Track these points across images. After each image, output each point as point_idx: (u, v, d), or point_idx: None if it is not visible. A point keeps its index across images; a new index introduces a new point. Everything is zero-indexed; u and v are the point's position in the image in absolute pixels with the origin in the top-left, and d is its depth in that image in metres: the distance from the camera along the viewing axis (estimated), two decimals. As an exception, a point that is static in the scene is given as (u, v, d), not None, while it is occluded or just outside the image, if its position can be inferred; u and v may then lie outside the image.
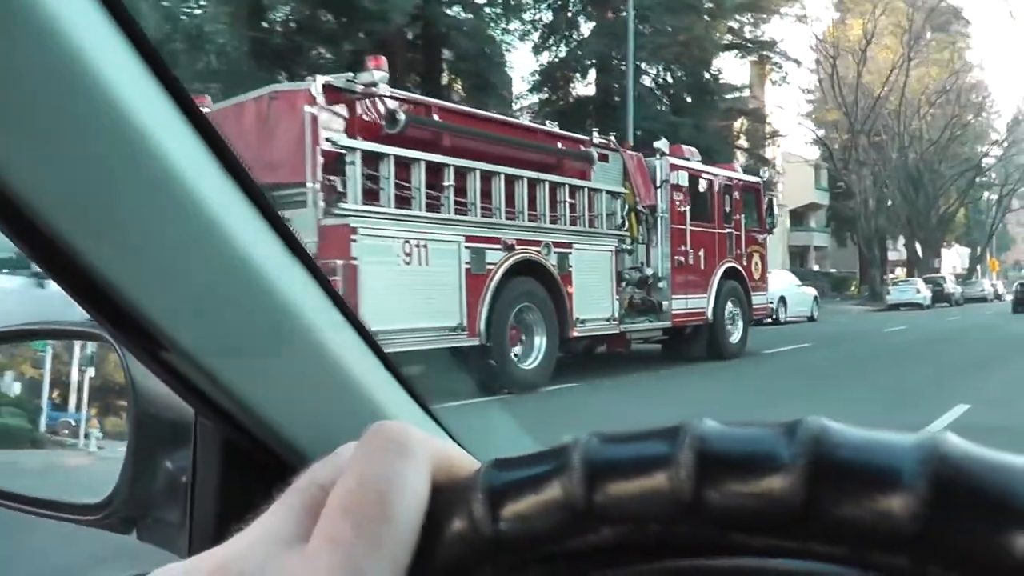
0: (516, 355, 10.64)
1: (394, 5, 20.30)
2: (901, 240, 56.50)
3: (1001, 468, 0.29)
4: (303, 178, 9.02)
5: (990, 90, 64.42)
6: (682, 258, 13.24)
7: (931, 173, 52.00)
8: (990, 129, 61.79)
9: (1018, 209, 68.41)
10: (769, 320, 16.14)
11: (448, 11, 25.36)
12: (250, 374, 0.60)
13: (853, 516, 0.30)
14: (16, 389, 1.05)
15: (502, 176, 10.52)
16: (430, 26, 24.77)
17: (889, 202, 50.35)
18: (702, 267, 13.68)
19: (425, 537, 0.36)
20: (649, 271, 12.97)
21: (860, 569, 0.31)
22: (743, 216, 14.93)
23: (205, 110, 9.81)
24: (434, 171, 9.79)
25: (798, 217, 54.29)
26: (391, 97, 9.79)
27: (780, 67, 39.16)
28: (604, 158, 12.45)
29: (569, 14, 31.84)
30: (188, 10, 18.50)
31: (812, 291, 29.95)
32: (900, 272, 55.29)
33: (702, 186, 13.91)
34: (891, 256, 56.69)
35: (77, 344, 0.96)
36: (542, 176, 11.15)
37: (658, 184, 13.09)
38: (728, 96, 36.18)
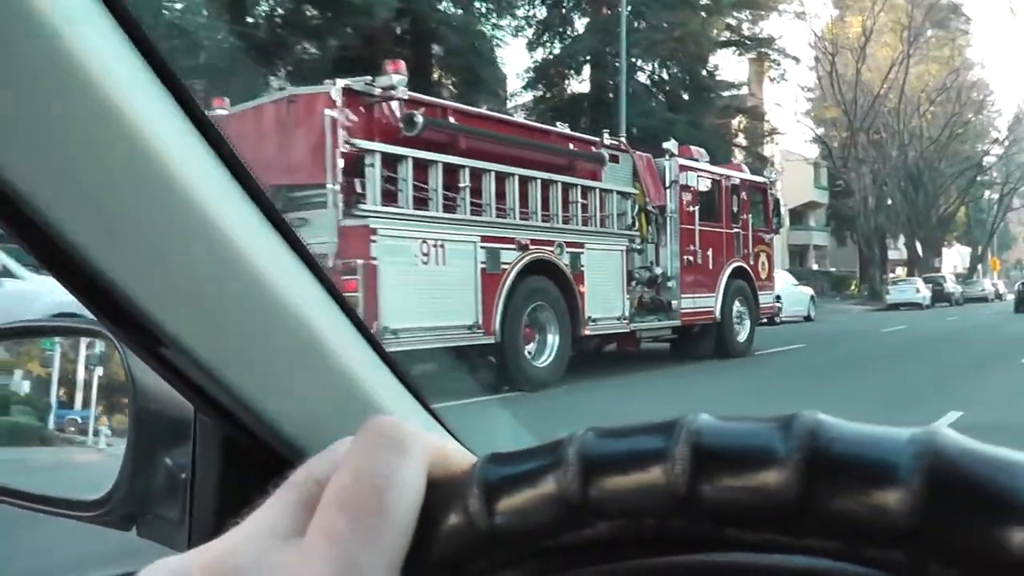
0: (529, 353, 11.00)
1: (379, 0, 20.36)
2: (901, 239, 56.87)
3: (996, 463, 0.30)
4: (323, 180, 9.38)
5: (991, 88, 64.50)
6: (691, 257, 13.64)
7: (931, 171, 52.33)
8: (991, 128, 62.14)
9: (1019, 208, 68.74)
10: (764, 320, 16.43)
11: (437, 6, 25.38)
12: (249, 371, 0.61)
13: (848, 511, 0.30)
14: (26, 387, 1.07)
15: (516, 177, 10.89)
16: (419, 21, 24.82)
17: (889, 201, 50.65)
18: (710, 267, 14.08)
19: (421, 531, 0.36)
20: (659, 270, 13.38)
21: (856, 564, 0.32)
22: (750, 216, 15.38)
23: (223, 112, 10.21)
24: (450, 172, 10.15)
25: (797, 216, 54.62)
26: (409, 100, 10.15)
27: (778, 64, 39.52)
28: (615, 159, 12.88)
29: (563, 10, 32.06)
30: (170, 4, 18.56)
31: (809, 290, 30.12)
32: (901, 271, 55.48)
33: (710, 186, 14.35)
34: (891, 255, 57.02)
35: (84, 343, 0.97)
36: (555, 177, 11.53)
37: (667, 184, 13.50)
38: (726, 93, 36.47)
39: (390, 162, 9.60)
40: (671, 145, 13.93)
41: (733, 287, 14.58)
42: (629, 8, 26.36)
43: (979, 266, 64.28)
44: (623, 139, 13.54)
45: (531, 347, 11.07)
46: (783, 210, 17.40)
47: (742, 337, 14.86)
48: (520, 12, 30.89)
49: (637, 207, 13.09)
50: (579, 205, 11.90)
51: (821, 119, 50.92)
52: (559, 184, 11.60)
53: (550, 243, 11.30)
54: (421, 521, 0.36)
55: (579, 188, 11.94)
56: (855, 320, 29.99)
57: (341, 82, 9.71)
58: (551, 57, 32.69)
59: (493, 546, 0.37)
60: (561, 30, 32.36)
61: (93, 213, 0.50)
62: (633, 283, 12.92)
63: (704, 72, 34.26)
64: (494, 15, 27.59)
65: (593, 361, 12.76)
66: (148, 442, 0.81)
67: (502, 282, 10.57)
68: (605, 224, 12.38)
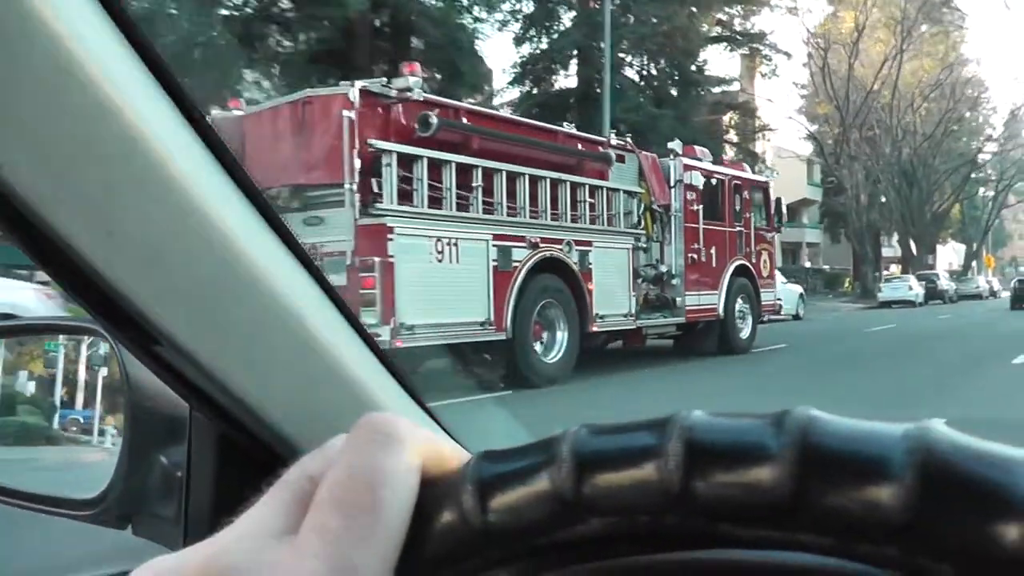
0: (539, 349, 11.50)
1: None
2: (896, 236, 57.32)
3: (990, 458, 0.30)
4: (341, 179, 9.83)
5: (986, 85, 65.10)
6: (695, 256, 14.22)
7: (925, 168, 52.80)
8: (986, 125, 62.79)
9: (1014, 205, 69.57)
10: (765, 317, 16.89)
11: (416, -3, 25.32)
12: (244, 369, 0.62)
13: (842, 506, 0.31)
14: (31, 388, 1.09)
15: (526, 177, 11.41)
16: (397, 13, 24.77)
17: (883, 198, 51.06)
18: (714, 264, 14.68)
19: (414, 529, 0.36)
20: (664, 268, 13.96)
21: (849, 560, 0.32)
22: (752, 215, 16.02)
23: (238, 113, 10.68)
24: (463, 172, 10.65)
25: (790, 213, 54.64)
26: (424, 102, 10.63)
27: (770, 60, 39.80)
28: (621, 159, 13.43)
29: (550, 4, 32.11)
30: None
31: (798, 288, 30.32)
32: (895, 269, 55.93)
33: (713, 185, 14.96)
34: (885, 253, 57.39)
35: (85, 343, 0.99)
36: (564, 177, 12.07)
37: (672, 184, 14.09)
38: (716, 89, 36.86)
39: (406, 162, 10.06)
40: (675, 145, 14.55)
41: (736, 285, 15.19)
42: (616, 1, 26.53)
43: (974, 263, 64.79)
44: (629, 139, 14.06)
45: (541, 343, 11.55)
46: (784, 209, 17.97)
47: (744, 334, 15.47)
48: (506, 6, 30.87)
49: (643, 206, 13.66)
50: (587, 204, 12.44)
51: (814, 116, 51.27)
52: (568, 183, 12.12)
53: (559, 241, 11.82)
54: (415, 518, 0.37)
55: (587, 187, 12.48)
56: (844, 319, 30.20)
57: (359, 83, 10.18)
58: (538, 52, 32.78)
59: (487, 543, 0.37)
60: (548, 24, 32.43)
61: (88, 211, 0.51)
62: (639, 281, 13.46)
63: (693, 67, 34.51)
64: (475, 7, 27.36)
65: (599, 358, 13.22)
66: (144, 440, 0.82)
67: (513, 279, 11.05)
68: (612, 223, 12.93)
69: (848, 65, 45.14)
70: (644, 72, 34.18)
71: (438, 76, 25.06)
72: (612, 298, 12.60)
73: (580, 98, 31.02)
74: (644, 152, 14.17)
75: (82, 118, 0.47)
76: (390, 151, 9.92)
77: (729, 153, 33.10)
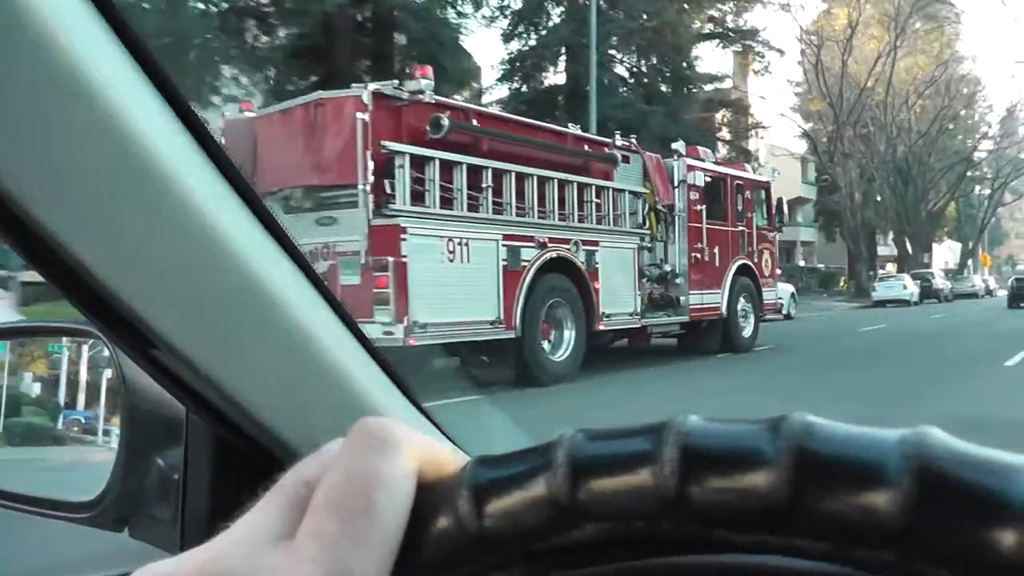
0: (547, 348, 11.91)
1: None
2: (891, 235, 57.62)
3: (986, 465, 0.31)
4: (354, 180, 10.18)
5: (982, 83, 65.43)
6: (698, 255, 14.70)
7: (920, 166, 53.09)
8: (982, 123, 63.07)
9: (1010, 203, 70.04)
10: (766, 316, 17.27)
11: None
12: (240, 372, 0.63)
13: (838, 512, 0.31)
14: (36, 389, 1.10)
15: (535, 178, 11.83)
16: (379, 7, 24.81)
17: (878, 197, 51.43)
18: (717, 264, 15.16)
19: (410, 534, 0.37)
20: (668, 267, 14.43)
21: (845, 565, 0.33)
22: (754, 214, 16.51)
23: (250, 115, 11.05)
24: (474, 173, 11.04)
25: (784, 211, 55.19)
26: (435, 104, 11.02)
27: (763, 57, 40.08)
28: (626, 159, 13.91)
29: (538, -1, 32.13)
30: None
31: (789, 287, 30.19)
32: (891, 268, 55.93)
33: (716, 186, 15.43)
34: (881, 251, 57.84)
35: (87, 344, 1.00)
36: (571, 177, 12.50)
37: (676, 184, 14.55)
38: (708, 87, 37.15)
39: (418, 163, 10.43)
40: (679, 146, 15.03)
41: (738, 284, 15.67)
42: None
43: (970, 262, 65.05)
44: (634, 140, 14.49)
45: (549, 342, 11.95)
46: (786, 208, 18.44)
47: (747, 332, 15.96)
48: (494, 1, 31.03)
49: (648, 206, 14.13)
50: (593, 204, 12.87)
51: (808, 113, 51.55)
52: (575, 184, 12.56)
53: (567, 241, 12.24)
54: (411, 523, 0.37)
55: (593, 188, 12.91)
56: (836, 318, 30.38)
57: (372, 86, 10.56)
58: (527, 49, 32.95)
59: (482, 549, 0.38)
60: (536, 21, 32.55)
61: (82, 213, 0.51)
62: (644, 280, 13.89)
63: (684, 64, 34.77)
64: (459, 2, 27.50)
65: (605, 356, 13.63)
66: (141, 443, 0.83)
67: (522, 279, 11.44)
68: (618, 223, 13.37)
69: (842, 62, 45.38)
70: (634, 69, 34.40)
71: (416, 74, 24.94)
72: (618, 297, 13.02)
73: (569, 95, 31.17)
74: (648, 153, 14.62)
75: (76, 119, 0.48)
76: (403, 153, 10.25)
77: (722, 151, 33.18)
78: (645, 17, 31.69)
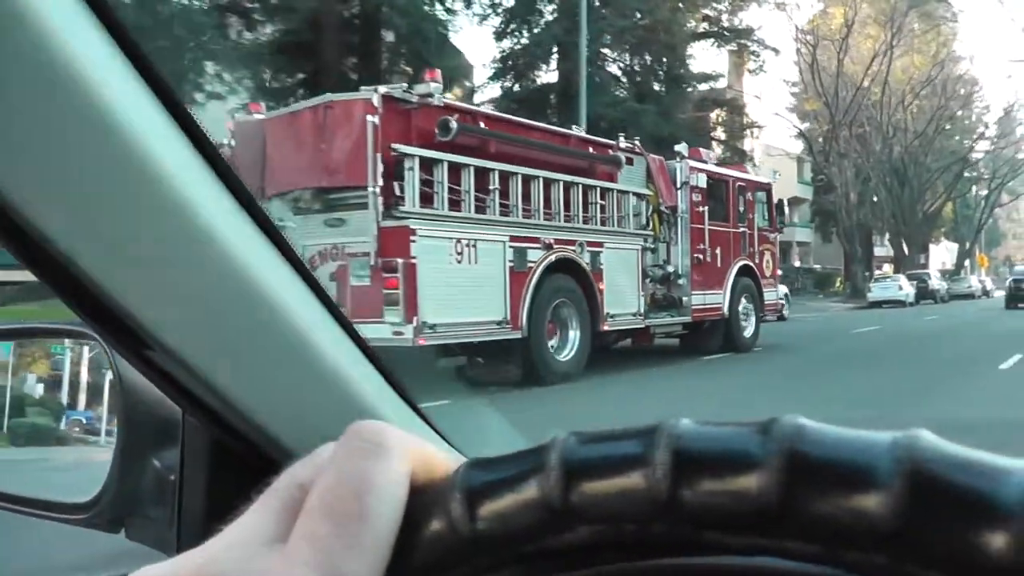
0: (553, 347, 12.19)
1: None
2: (887, 236, 57.95)
3: (977, 467, 0.31)
4: (363, 182, 10.39)
5: (979, 83, 65.74)
6: (700, 256, 15.02)
7: (917, 166, 53.37)
8: (979, 123, 63.50)
9: (1007, 204, 70.29)
10: (767, 316, 17.54)
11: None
12: (236, 373, 0.64)
13: (829, 514, 0.32)
14: (39, 390, 1.11)
15: (540, 180, 12.11)
16: (366, 3, 24.90)
17: (874, 197, 51.69)
18: (718, 265, 15.50)
19: (403, 536, 0.37)
20: (671, 268, 14.75)
21: (837, 567, 0.33)
22: (755, 216, 16.85)
23: (259, 116, 11.30)
24: (481, 175, 11.31)
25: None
26: (444, 107, 11.30)
27: (758, 56, 40.42)
28: (630, 161, 14.20)
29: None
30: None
31: (783, 288, 29.71)
32: (888, 268, 56.35)
33: (718, 187, 15.77)
34: (877, 252, 58.13)
35: (87, 345, 1.01)
36: (576, 179, 12.79)
37: (678, 185, 14.87)
38: (702, 86, 37.47)
39: (427, 166, 10.66)
40: (682, 148, 15.36)
41: (740, 284, 16.02)
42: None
43: (967, 262, 65.52)
44: (637, 142, 14.81)
45: (554, 342, 12.22)
46: (786, 209, 18.77)
47: (748, 332, 16.31)
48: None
49: (651, 207, 14.44)
50: (598, 206, 13.18)
51: (803, 113, 51.86)
52: (580, 186, 12.85)
53: (572, 242, 12.52)
54: (404, 526, 0.38)
55: (598, 190, 13.22)
56: (830, 320, 30.50)
57: (382, 89, 10.80)
58: (519, 47, 33.11)
59: (475, 551, 0.38)
60: (528, 19, 32.72)
61: (77, 215, 0.52)
62: (647, 281, 14.19)
63: (677, 63, 35.01)
64: None
65: (609, 356, 13.92)
66: (137, 444, 0.84)
67: (528, 279, 11.72)
68: (622, 224, 13.66)
69: (838, 61, 45.65)
70: (627, 67, 34.65)
71: (408, 70, 25.09)
72: (622, 298, 13.31)
73: (561, 93, 31.35)
74: (651, 155, 14.93)
75: (71, 121, 0.48)
76: (412, 155, 10.48)
77: (717, 151, 33.28)
78: (638, 15, 31.92)
